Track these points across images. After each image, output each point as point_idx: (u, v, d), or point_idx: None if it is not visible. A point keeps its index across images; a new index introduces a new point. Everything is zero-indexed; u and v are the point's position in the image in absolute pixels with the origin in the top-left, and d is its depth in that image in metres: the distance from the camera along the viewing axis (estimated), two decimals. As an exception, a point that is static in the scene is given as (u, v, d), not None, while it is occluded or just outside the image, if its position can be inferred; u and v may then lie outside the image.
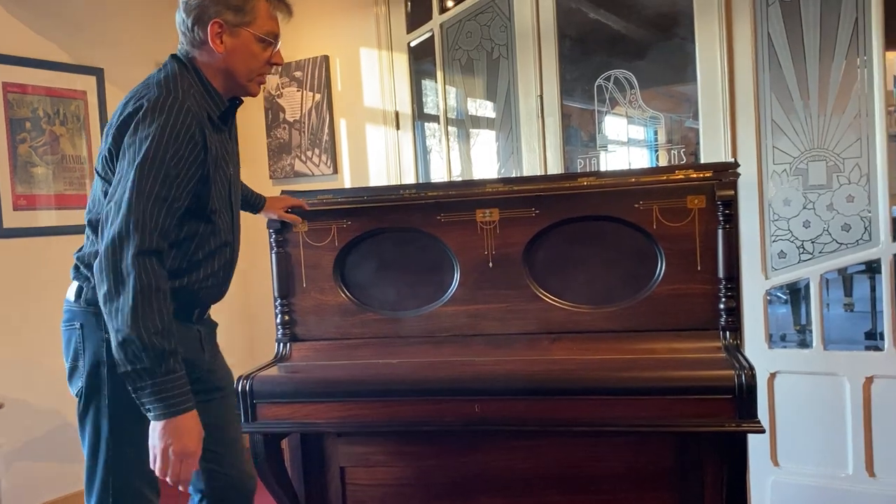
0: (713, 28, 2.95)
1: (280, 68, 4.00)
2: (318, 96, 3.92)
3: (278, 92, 4.06)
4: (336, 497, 2.31)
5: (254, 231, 4.25)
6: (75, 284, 1.76)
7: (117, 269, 1.50)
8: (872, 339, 4.63)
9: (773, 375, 2.94)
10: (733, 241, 2.04)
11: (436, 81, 3.70)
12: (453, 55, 3.63)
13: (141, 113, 1.57)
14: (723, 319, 2.03)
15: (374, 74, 3.77)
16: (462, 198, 2.20)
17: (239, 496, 1.93)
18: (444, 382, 1.96)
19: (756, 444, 2.92)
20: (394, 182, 3.74)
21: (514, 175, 3.46)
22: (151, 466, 1.58)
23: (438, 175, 3.78)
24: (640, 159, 3.50)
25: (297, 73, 3.98)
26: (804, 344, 3.51)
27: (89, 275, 1.68)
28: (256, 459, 2.14)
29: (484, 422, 1.90)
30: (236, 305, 4.37)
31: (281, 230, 2.30)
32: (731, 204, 2.01)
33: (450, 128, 3.73)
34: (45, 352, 3.47)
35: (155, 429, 1.54)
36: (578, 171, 3.38)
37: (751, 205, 2.92)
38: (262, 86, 1.84)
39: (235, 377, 2.12)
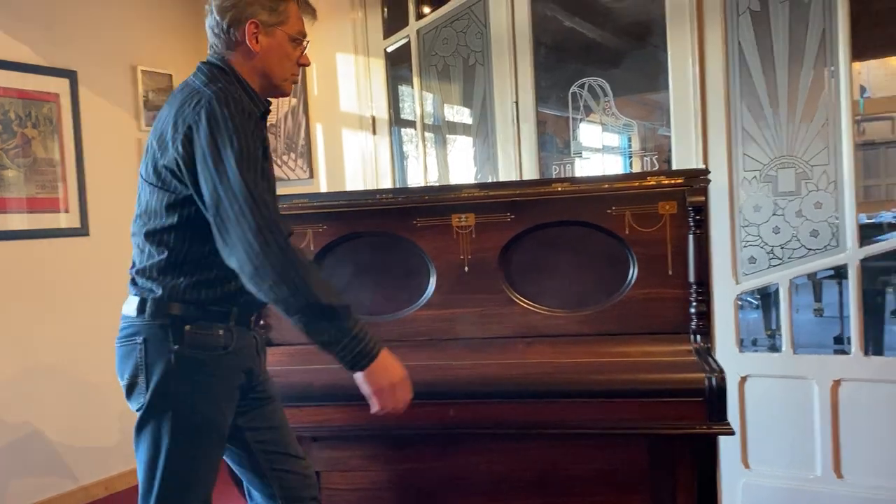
0: (685, 37, 3.00)
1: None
2: (294, 101, 3.91)
3: (254, 96, 4.04)
4: (311, 502, 2.31)
5: (229, 236, 4.23)
6: (135, 299, 1.69)
7: (276, 260, 1.51)
8: (841, 343, 4.73)
9: (743, 379, 2.99)
10: (704, 247, 2.08)
11: (412, 87, 3.71)
12: (430, 61, 3.65)
13: (207, 115, 1.56)
14: (694, 323, 2.06)
15: (350, 79, 3.78)
16: (438, 202, 2.22)
17: (311, 490, 1.94)
18: (421, 386, 1.96)
19: (727, 447, 2.97)
20: (370, 187, 3.74)
21: (490, 180, 3.48)
22: (373, 411, 1.65)
23: (415, 180, 3.79)
24: (614, 166, 3.55)
25: (274, 78, 3.97)
26: (774, 348, 3.58)
27: (153, 286, 1.66)
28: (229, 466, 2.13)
29: (460, 425, 1.91)
30: (211, 310, 4.34)
31: (256, 234, 2.29)
32: (702, 210, 2.05)
33: (426, 133, 3.75)
34: (18, 356, 3.43)
35: (365, 377, 1.60)
36: (553, 176, 3.41)
37: (722, 211, 2.97)
38: (294, 86, 1.85)
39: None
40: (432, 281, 2.21)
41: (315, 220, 2.27)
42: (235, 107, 1.58)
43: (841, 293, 4.93)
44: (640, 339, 2.08)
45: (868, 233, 4.12)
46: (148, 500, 1.68)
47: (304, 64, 1.83)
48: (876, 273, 4.34)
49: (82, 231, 3.69)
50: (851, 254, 2.81)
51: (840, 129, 2.81)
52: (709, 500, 1.97)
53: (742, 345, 3.04)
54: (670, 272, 2.08)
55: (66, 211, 3.63)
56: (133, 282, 1.74)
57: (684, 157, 3.03)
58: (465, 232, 2.20)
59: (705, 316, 2.07)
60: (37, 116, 3.50)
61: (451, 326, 2.19)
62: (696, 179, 2.09)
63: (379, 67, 3.77)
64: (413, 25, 3.66)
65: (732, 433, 1.85)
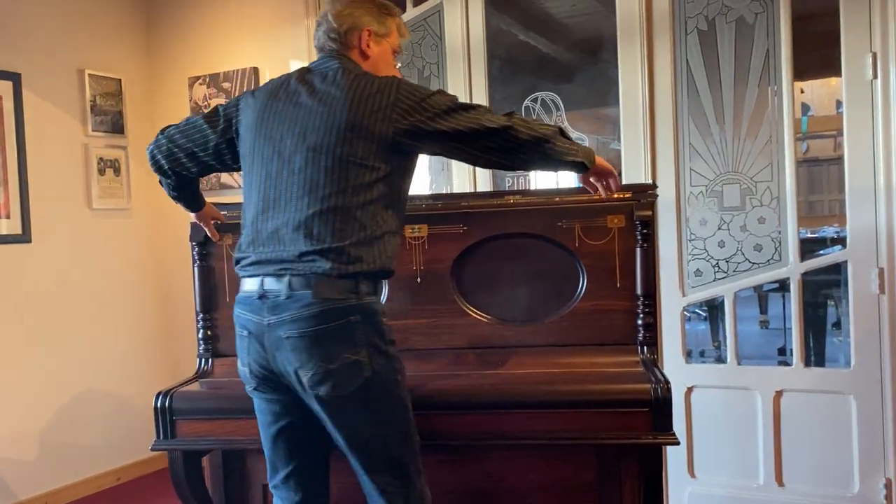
0: (635, 54, 3.06)
1: (208, 78, 3.95)
2: (247, 108, 3.87)
3: (206, 103, 4.00)
4: (258, 515, 2.27)
5: (175, 244, 4.17)
6: (346, 283, 1.70)
7: (515, 133, 1.76)
8: (784, 354, 4.85)
9: (690, 390, 3.04)
10: (651, 260, 2.11)
11: (367, 97, 3.70)
12: (384, 71, 3.65)
13: (399, 89, 1.75)
14: (641, 335, 2.09)
15: (304, 88, 3.75)
16: (390, 213, 2.21)
17: None
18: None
19: (674, 456, 3.02)
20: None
21: (444, 192, 3.49)
22: (604, 194, 1.94)
23: (368, 190, 3.77)
24: (567, 179, 3.59)
25: (226, 84, 3.93)
26: (721, 359, 3.65)
27: (362, 267, 1.71)
28: (175, 477, 2.09)
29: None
30: (157, 321, 4.26)
31: (204, 243, 2.26)
32: (649, 224, 2.09)
33: (380, 143, 3.74)
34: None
35: (590, 173, 1.90)
36: (507, 189, 3.44)
37: (670, 225, 3.03)
38: None
39: (154, 394, 2.07)
40: (384, 291, 2.21)
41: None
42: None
43: (785, 306, 5.07)
44: (588, 351, 2.10)
45: (812, 247, 4.26)
46: (397, 450, 1.77)
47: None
48: (818, 286, 4.47)
49: (24, 238, 3.58)
50: (793, 268, 2.89)
51: (783, 146, 2.90)
52: (655, 509, 2.00)
53: (689, 356, 3.10)
54: (618, 284, 2.11)
55: (7, 217, 3.52)
56: (344, 264, 1.70)
57: (634, 171, 3.08)
58: (418, 243, 2.20)
59: (652, 328, 2.10)
60: (-23, 119, 3.40)
61: (403, 337, 2.18)
62: (644, 194, 2.13)
63: (333, 77, 3.75)
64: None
65: (678, 443, 1.88)
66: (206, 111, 1.96)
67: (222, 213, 2.26)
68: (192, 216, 2.20)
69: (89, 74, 3.87)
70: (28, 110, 3.60)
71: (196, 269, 2.27)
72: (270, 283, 1.72)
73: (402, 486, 1.78)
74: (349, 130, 1.71)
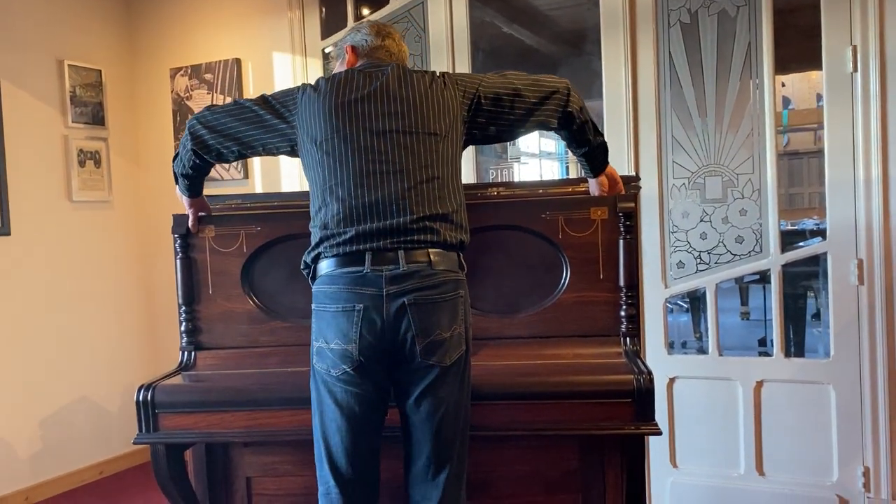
0: (619, 47, 3.07)
1: (190, 69, 3.92)
2: (228, 99, 3.85)
3: (187, 94, 3.96)
4: (242, 508, 2.27)
5: (156, 237, 4.14)
6: (453, 255, 1.82)
7: (576, 106, 1.96)
8: (765, 345, 4.90)
9: (672, 380, 3.07)
10: (634, 252, 2.13)
11: (350, 89, 3.68)
12: (368, 63, 3.63)
13: (456, 74, 2.02)
14: (623, 326, 2.11)
15: (287, 79, 3.74)
16: (374, 205, 2.20)
17: None
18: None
19: (656, 447, 3.04)
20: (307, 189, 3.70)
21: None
22: (610, 192, 2.12)
23: (352, 182, 3.76)
24: (551, 171, 3.60)
25: (208, 76, 3.90)
26: (703, 350, 3.69)
27: (463, 237, 1.85)
28: (158, 471, 2.08)
29: (392, 429, 1.90)
30: (139, 314, 4.23)
31: (186, 235, 2.24)
32: (632, 216, 2.10)
33: (364, 135, 3.73)
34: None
35: (604, 175, 2.09)
36: (490, 181, 3.44)
37: (652, 217, 3.05)
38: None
39: (136, 388, 2.06)
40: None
41: (248, 221, 2.23)
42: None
43: (766, 297, 5.11)
44: (571, 342, 2.11)
45: (792, 239, 4.29)
46: (464, 432, 1.83)
47: None
48: (798, 278, 4.51)
49: (3, 230, 3.54)
50: (774, 259, 2.92)
51: (764, 138, 2.92)
52: (637, 498, 2.02)
53: (672, 347, 3.13)
54: (601, 276, 2.12)
55: (-14, 209, 3.48)
56: (452, 233, 1.82)
57: (617, 163, 3.07)
58: (401, 235, 2.19)
59: (635, 319, 2.12)
60: (-46, 110, 3.35)
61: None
62: (627, 186, 2.14)
63: (316, 67, 3.74)
64: (352, 26, 3.64)
65: (660, 433, 1.89)
66: (251, 98, 1.99)
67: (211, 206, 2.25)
68: (184, 201, 2.17)
69: (69, 65, 3.83)
70: (6, 101, 3.55)
71: (178, 261, 2.25)
72: (381, 256, 1.76)
73: (460, 473, 1.84)
74: (434, 109, 1.84)
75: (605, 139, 2.06)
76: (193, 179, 2.10)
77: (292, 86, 3.71)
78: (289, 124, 1.92)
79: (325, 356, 1.79)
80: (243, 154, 2.01)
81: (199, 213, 2.23)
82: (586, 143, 2.02)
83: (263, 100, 1.96)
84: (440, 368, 1.76)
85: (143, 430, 2.04)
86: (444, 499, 1.79)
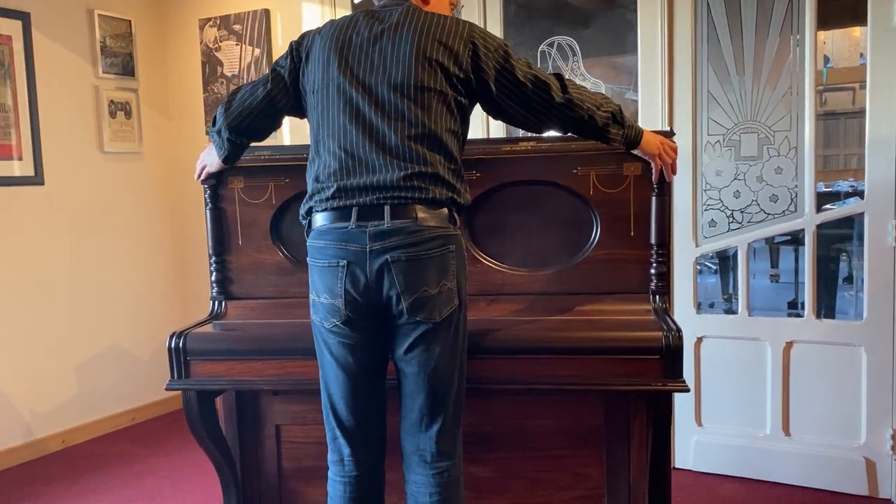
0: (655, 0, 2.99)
1: (219, 20, 3.89)
2: (257, 51, 3.82)
3: (216, 45, 3.94)
4: (271, 455, 2.31)
5: (187, 188, 4.16)
6: (443, 211, 1.77)
7: (574, 93, 1.86)
8: (795, 308, 4.85)
9: (699, 340, 3.05)
10: (666, 209, 2.09)
11: (379, 41, 3.64)
12: (398, 15, 3.58)
13: (472, 28, 1.84)
14: (653, 284, 2.09)
15: (316, 31, 3.69)
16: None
17: None
18: (382, 341, 1.97)
19: (681, 406, 3.04)
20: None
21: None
22: (660, 163, 2.01)
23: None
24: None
25: (237, 27, 3.87)
26: (730, 311, 3.66)
27: (455, 196, 1.79)
28: (190, 417, 2.12)
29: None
30: (170, 264, 4.29)
31: (216, 186, 2.25)
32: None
33: (393, 89, 3.69)
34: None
35: (645, 144, 1.99)
36: (520, 135, 3.40)
37: (685, 174, 3.00)
38: None
39: (167, 336, 2.09)
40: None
41: (277, 172, 2.23)
42: None
43: (797, 259, 5.04)
44: (600, 299, 2.10)
45: (825, 201, 4.21)
46: (458, 386, 1.82)
47: None
48: (831, 240, 4.44)
49: (37, 179, 3.58)
50: (809, 219, 2.86)
51: (803, 96, 2.84)
52: (662, 455, 2.02)
53: (699, 307, 3.10)
54: (632, 233, 2.10)
55: (20, 158, 3.52)
56: (444, 190, 1.77)
57: (650, 119, 3.04)
58: (430, 188, 2.18)
59: (665, 277, 2.09)
60: (-13, 59, 3.37)
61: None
62: (661, 141, 2.10)
63: (346, 20, 3.69)
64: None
65: (687, 390, 1.88)
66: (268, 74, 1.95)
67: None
68: (215, 167, 2.14)
69: (99, 15, 3.82)
70: (38, 51, 3.57)
71: (208, 212, 2.27)
72: (368, 212, 1.73)
73: (454, 427, 1.82)
74: (427, 63, 1.76)
75: (615, 106, 1.93)
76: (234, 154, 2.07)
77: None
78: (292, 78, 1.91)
79: (318, 308, 1.79)
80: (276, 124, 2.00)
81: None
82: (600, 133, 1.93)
83: (273, 70, 1.94)
84: (431, 324, 1.73)
85: (175, 377, 2.08)
86: (436, 451, 1.79)
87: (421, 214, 1.73)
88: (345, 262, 1.73)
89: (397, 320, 1.75)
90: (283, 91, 1.92)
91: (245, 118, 1.94)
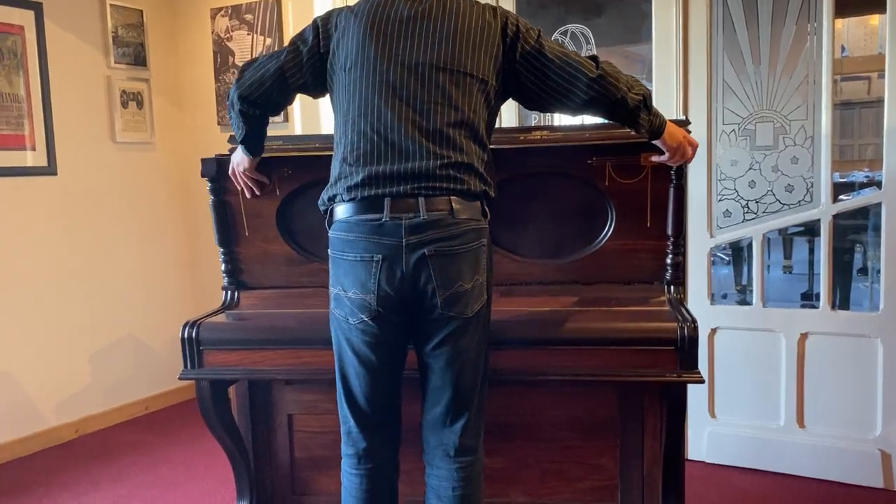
0: (670, -14, 2.95)
1: (230, 10, 3.88)
2: (269, 40, 3.81)
3: (227, 35, 3.94)
4: (283, 444, 2.32)
5: (198, 179, 4.14)
6: (477, 204, 1.73)
7: (608, 68, 1.79)
8: (809, 299, 4.81)
9: (713, 331, 3.03)
10: (683, 200, 2.07)
11: (391, 30, 3.62)
12: None
13: (508, 14, 1.81)
14: (668, 274, 2.07)
15: (327, 20, 3.67)
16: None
17: None
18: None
19: (694, 397, 3.03)
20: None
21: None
22: (679, 159, 1.94)
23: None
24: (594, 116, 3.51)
25: (248, 16, 3.86)
26: (745, 303, 3.63)
27: (487, 188, 1.74)
28: (203, 406, 2.12)
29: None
30: (182, 254, 4.30)
31: (216, 178, 2.23)
32: (684, 163, 2.03)
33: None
34: (-18, 297, 3.37)
35: (668, 136, 1.89)
36: (533, 124, 3.38)
37: (699, 164, 2.97)
38: None
39: (180, 326, 2.09)
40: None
41: (282, 164, 2.20)
42: None
43: (812, 251, 5.00)
44: (615, 289, 2.09)
45: (841, 191, 4.17)
46: (483, 380, 1.81)
47: None
48: (846, 231, 4.40)
49: (49, 170, 3.59)
50: (825, 209, 2.83)
51: (820, 85, 2.80)
52: (675, 446, 2.01)
53: (713, 299, 3.08)
54: (648, 224, 2.08)
55: (33, 149, 3.53)
56: (474, 181, 1.71)
57: (665, 108, 2.99)
58: (443, 178, 2.16)
59: (680, 268, 2.08)
60: (0, 50, 3.37)
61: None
62: (676, 130, 2.07)
63: (357, 9, 3.67)
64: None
65: (702, 381, 1.87)
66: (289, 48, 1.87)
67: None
68: (246, 162, 2.09)
69: (110, 5, 3.82)
70: (50, 40, 3.57)
71: (212, 204, 2.25)
72: (402, 203, 1.65)
73: (478, 422, 1.81)
74: (472, 48, 1.71)
75: (646, 90, 1.84)
76: (252, 138, 1.99)
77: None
78: (317, 52, 1.82)
79: (343, 304, 1.73)
80: (290, 98, 1.93)
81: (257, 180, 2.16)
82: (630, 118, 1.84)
83: (293, 45, 1.85)
84: (463, 320, 1.70)
85: (188, 367, 2.08)
86: (460, 445, 1.77)
87: (456, 206, 1.67)
88: (379, 256, 1.66)
89: (429, 315, 1.70)
90: (296, 67, 1.83)
91: (256, 88, 1.85)
